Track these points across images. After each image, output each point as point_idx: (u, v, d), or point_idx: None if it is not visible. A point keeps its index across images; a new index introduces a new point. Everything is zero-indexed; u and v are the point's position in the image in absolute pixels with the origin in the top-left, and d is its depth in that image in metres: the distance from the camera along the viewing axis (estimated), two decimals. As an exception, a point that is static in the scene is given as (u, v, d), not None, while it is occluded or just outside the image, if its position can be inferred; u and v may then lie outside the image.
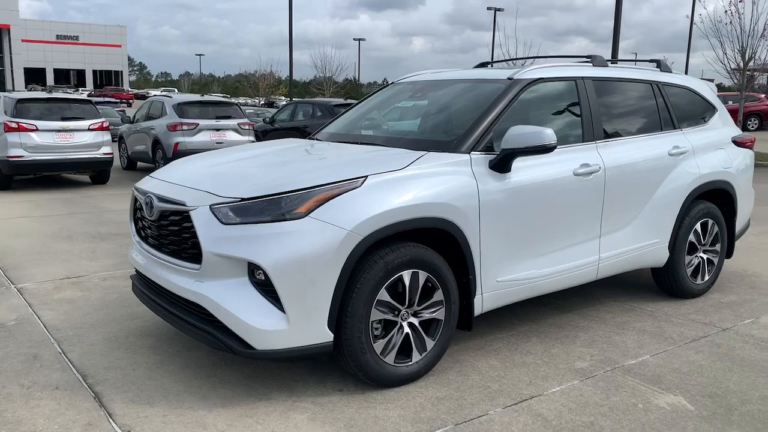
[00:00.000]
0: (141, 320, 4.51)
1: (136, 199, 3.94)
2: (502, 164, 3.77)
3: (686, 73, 41.39)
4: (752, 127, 28.79)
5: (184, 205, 3.36)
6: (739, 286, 5.51)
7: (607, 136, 4.47)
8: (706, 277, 5.22)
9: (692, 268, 5.08)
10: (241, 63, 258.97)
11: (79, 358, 3.86)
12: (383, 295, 3.33)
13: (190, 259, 3.36)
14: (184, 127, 12.43)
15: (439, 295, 3.54)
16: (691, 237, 5.00)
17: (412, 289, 3.44)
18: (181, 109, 12.75)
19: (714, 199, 5.19)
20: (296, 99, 24.22)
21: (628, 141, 4.60)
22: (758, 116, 29.09)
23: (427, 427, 3.10)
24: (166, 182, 3.69)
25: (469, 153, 3.74)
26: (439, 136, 4.00)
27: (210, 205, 3.27)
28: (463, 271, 3.65)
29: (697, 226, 5.02)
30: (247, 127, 13.21)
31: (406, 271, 3.39)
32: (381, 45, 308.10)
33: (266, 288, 3.14)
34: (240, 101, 42.42)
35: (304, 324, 3.15)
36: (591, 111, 4.38)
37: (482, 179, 3.69)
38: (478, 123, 3.87)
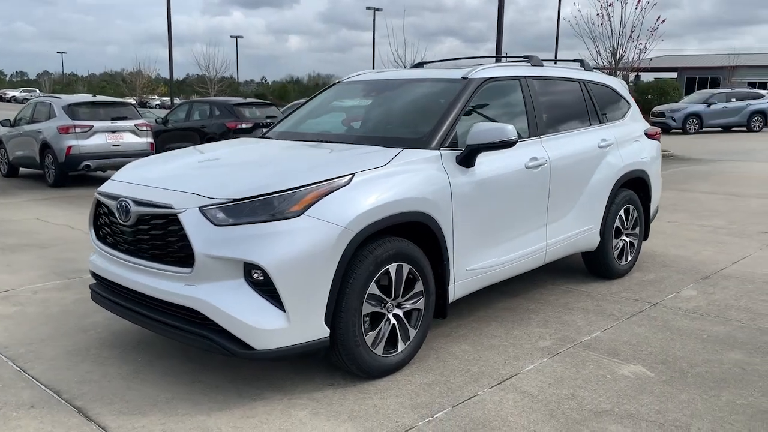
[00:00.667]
0: (96, 332, 4.32)
1: (99, 204, 3.79)
2: (467, 159, 3.98)
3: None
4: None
5: (170, 208, 3.29)
6: (653, 265, 6.07)
7: (548, 131, 4.80)
8: (629, 258, 5.73)
9: (618, 250, 5.56)
10: (106, 61, 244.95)
11: (45, 374, 3.66)
12: (373, 288, 3.44)
13: (177, 262, 3.30)
14: (77, 130, 11.76)
15: (419, 286, 3.69)
16: (617, 222, 5.47)
17: (398, 281, 3.57)
18: (72, 110, 12.04)
19: (633, 187, 5.70)
20: (194, 98, 23.39)
21: (565, 135, 4.96)
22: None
23: (427, 411, 3.24)
24: (139, 185, 3.58)
25: (439, 149, 3.92)
26: (408, 134, 4.13)
27: (200, 207, 3.23)
28: (439, 262, 3.82)
29: (621, 212, 5.50)
30: (144, 128, 12.69)
31: (392, 265, 3.51)
32: (256, 43, 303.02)
33: (264, 287, 3.15)
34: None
35: (303, 321, 3.20)
36: (534, 108, 4.69)
37: (452, 174, 3.88)
38: (443, 120, 4.05)
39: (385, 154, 3.71)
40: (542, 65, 5.13)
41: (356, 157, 3.72)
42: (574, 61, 5.76)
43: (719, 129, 26.61)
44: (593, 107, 5.39)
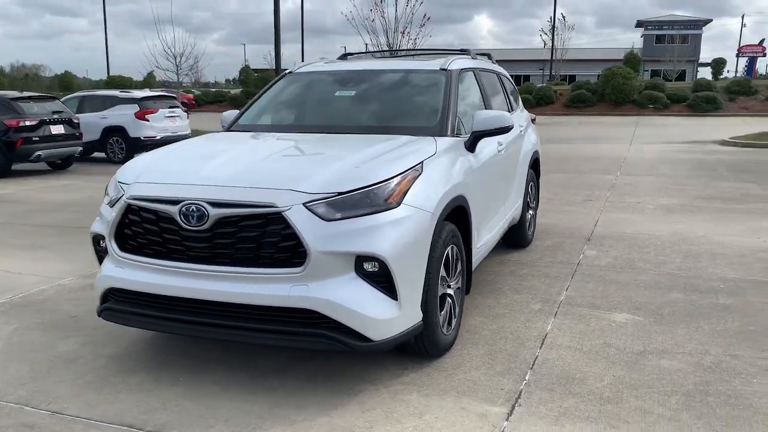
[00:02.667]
0: (87, 360, 3.79)
1: (131, 212, 3.37)
2: (473, 145, 4.30)
3: (303, 59, 44.91)
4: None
5: (272, 206, 3.09)
6: (542, 233, 6.96)
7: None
8: (533, 228, 6.53)
9: (528, 221, 6.31)
10: None
11: (92, 411, 3.18)
12: (442, 271, 3.62)
13: (279, 264, 3.13)
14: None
15: (460, 266, 3.95)
16: (528, 197, 6.21)
17: (453, 262, 3.79)
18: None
19: (534, 167, 6.49)
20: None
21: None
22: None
23: (515, 375, 3.54)
24: (204, 185, 3.25)
25: (453, 136, 4.18)
26: (423, 122, 4.28)
27: (304, 203, 3.10)
28: (467, 243, 4.10)
29: (529, 188, 6.26)
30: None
31: (449, 247, 3.71)
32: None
33: (377, 278, 3.16)
34: None
35: (409, 308, 3.28)
36: (485, 96, 5.16)
37: (468, 158, 4.18)
38: (449, 109, 4.31)
39: (427, 142, 3.86)
40: (477, 58, 5.59)
41: (408, 145, 3.79)
42: (461, 51, 6.13)
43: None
44: (507, 95, 6.02)
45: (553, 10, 46.79)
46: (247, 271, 3.16)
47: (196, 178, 3.34)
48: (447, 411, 3.15)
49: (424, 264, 3.34)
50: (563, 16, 46.57)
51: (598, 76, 33.09)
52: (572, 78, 51.84)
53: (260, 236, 3.14)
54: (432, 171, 3.59)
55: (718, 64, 75.95)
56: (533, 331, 4.16)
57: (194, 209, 3.18)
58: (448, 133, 4.16)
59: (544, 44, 53.22)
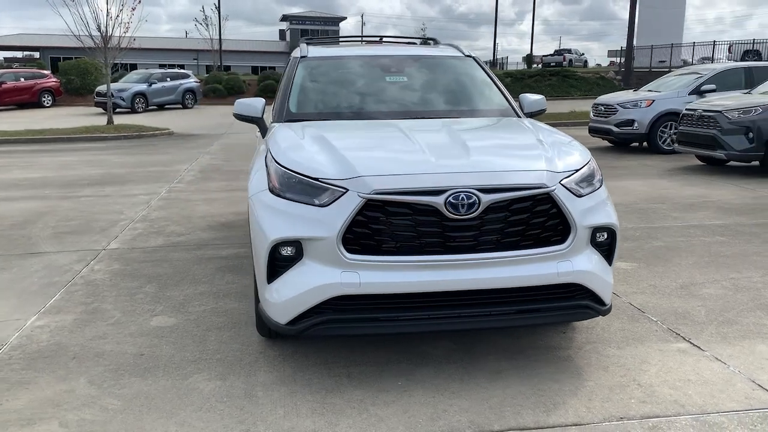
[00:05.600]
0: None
1: (368, 208, 3.05)
2: (530, 126, 4.75)
3: None
4: (47, 103, 29.27)
5: (542, 187, 3.16)
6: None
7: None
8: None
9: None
10: None
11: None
12: None
13: (542, 243, 3.22)
14: None
15: None
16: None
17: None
18: None
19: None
20: None
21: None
22: (50, 93, 29.71)
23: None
24: (457, 173, 3.16)
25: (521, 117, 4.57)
26: (497, 105, 4.53)
27: (560, 182, 3.24)
28: None
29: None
30: None
31: None
32: None
33: (602, 247, 3.47)
34: None
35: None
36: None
37: None
38: (504, 92, 4.67)
39: (533, 123, 4.19)
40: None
41: (535, 127, 4.05)
42: (432, 39, 6.39)
43: (157, 107, 28.22)
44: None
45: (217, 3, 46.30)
46: (514, 254, 3.18)
47: (432, 168, 3.21)
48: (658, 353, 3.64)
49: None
50: (216, 6, 46.28)
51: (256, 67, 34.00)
52: (227, 68, 52.03)
53: (528, 218, 3.19)
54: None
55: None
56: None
57: (464, 197, 3.06)
58: (519, 114, 4.52)
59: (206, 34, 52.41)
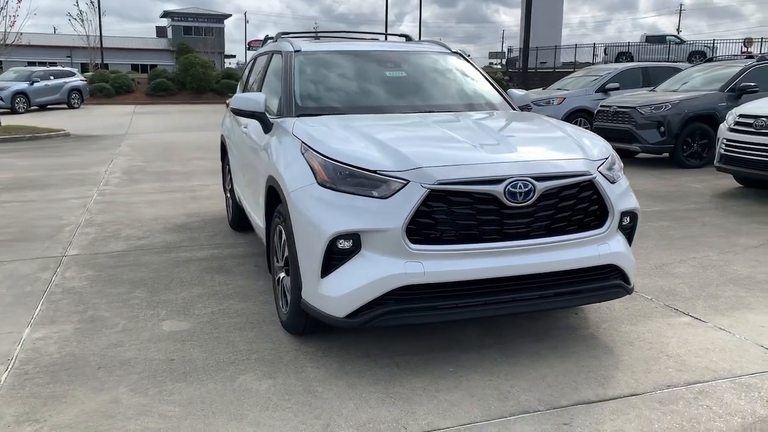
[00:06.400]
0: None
1: (432, 199, 3.11)
2: (521, 118, 4.97)
3: None
4: None
5: (586, 174, 3.35)
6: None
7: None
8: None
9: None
10: None
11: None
12: None
13: (584, 228, 3.41)
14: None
15: None
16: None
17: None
18: None
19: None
20: None
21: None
22: None
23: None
24: (520, 161, 3.30)
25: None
26: (495, 99, 4.72)
27: (597, 169, 3.45)
28: None
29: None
30: None
31: None
32: None
33: (626, 230, 3.71)
34: None
35: (628, 253, 3.91)
36: None
37: None
38: (498, 88, 4.86)
39: (541, 116, 4.42)
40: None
41: (548, 119, 4.27)
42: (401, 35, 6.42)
43: (39, 107, 26.37)
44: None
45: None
46: (562, 239, 3.35)
47: (491, 158, 3.32)
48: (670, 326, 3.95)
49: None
50: (94, 2, 43.80)
51: (144, 65, 32.93)
52: (106, 66, 49.39)
53: (573, 204, 3.37)
54: None
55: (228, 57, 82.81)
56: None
57: (521, 186, 3.19)
58: (514, 107, 4.72)
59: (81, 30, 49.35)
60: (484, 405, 3.04)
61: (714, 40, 35.67)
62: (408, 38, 5.91)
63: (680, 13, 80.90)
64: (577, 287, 3.46)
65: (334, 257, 3.22)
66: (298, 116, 4.16)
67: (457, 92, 4.81)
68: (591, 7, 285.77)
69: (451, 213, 3.17)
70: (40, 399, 3.12)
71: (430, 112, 4.39)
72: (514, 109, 4.72)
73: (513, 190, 3.19)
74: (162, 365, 3.48)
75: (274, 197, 3.98)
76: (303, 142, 3.61)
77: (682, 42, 36.84)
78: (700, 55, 33.09)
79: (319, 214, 3.23)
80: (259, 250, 5.69)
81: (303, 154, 3.54)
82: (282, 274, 3.86)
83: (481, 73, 5.07)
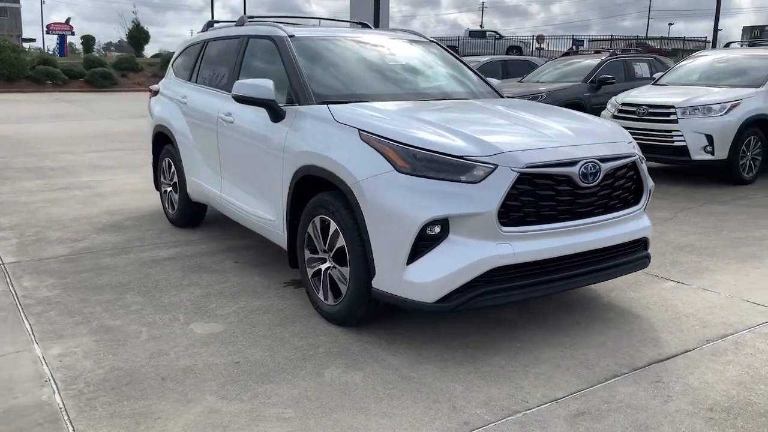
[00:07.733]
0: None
1: (520, 182, 3.24)
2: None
3: None
4: None
5: (632, 156, 3.67)
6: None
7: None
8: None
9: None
10: None
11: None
12: None
13: (627, 205, 3.74)
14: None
15: None
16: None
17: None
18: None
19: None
20: None
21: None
22: None
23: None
24: (588, 144, 3.56)
25: None
26: (484, 88, 4.88)
27: (635, 150, 3.80)
28: None
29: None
30: None
31: None
32: None
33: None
34: None
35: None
36: None
37: None
38: (481, 76, 5.08)
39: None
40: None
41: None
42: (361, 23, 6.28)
43: None
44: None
45: None
46: (615, 215, 3.65)
47: (557, 142, 3.51)
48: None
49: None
50: None
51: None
52: None
53: (623, 184, 3.67)
54: None
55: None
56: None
57: (591, 167, 3.42)
58: (501, 94, 4.97)
59: None
60: (576, 374, 3.24)
61: (532, 35, 38.72)
62: (365, 25, 5.89)
63: (482, 10, 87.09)
64: (618, 260, 3.78)
65: (421, 243, 3.22)
66: (320, 103, 4.03)
67: (458, 81, 4.94)
68: (398, 1, 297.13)
69: (535, 195, 3.32)
70: (128, 418, 2.80)
71: (444, 99, 4.48)
72: (502, 96, 4.95)
73: (585, 171, 3.41)
74: (231, 369, 3.26)
75: (303, 188, 3.86)
76: (361, 129, 3.53)
77: (501, 37, 39.81)
78: (516, 50, 35.88)
79: (406, 201, 3.21)
80: (226, 246, 5.42)
81: (366, 141, 3.47)
82: (325, 265, 3.76)
83: (461, 61, 5.24)
